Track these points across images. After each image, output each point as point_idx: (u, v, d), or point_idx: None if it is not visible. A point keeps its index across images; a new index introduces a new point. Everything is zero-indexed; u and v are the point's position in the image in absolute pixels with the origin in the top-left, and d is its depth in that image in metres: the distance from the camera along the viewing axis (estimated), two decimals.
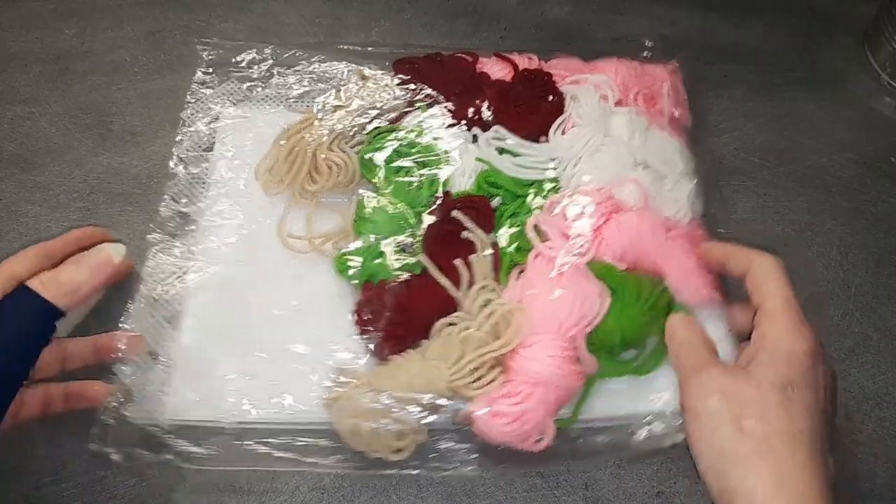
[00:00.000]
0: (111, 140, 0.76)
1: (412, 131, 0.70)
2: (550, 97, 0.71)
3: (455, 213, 0.64)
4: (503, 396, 0.56)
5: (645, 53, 0.76)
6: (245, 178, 0.70)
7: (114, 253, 0.54)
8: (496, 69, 0.75)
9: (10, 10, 0.84)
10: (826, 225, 0.56)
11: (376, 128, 0.70)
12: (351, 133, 0.71)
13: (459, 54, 0.75)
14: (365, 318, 0.61)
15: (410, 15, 0.69)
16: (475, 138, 0.70)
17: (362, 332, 0.60)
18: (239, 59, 0.75)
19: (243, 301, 0.63)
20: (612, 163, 0.67)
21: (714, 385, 0.46)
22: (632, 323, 0.59)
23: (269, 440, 0.55)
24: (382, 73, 0.74)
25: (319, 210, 0.68)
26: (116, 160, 0.75)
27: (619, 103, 0.72)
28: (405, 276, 0.63)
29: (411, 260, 0.63)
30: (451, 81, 0.73)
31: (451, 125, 0.71)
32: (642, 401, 0.59)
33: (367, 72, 0.74)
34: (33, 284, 0.49)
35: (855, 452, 0.55)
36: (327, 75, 0.76)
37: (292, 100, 0.75)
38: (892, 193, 0.57)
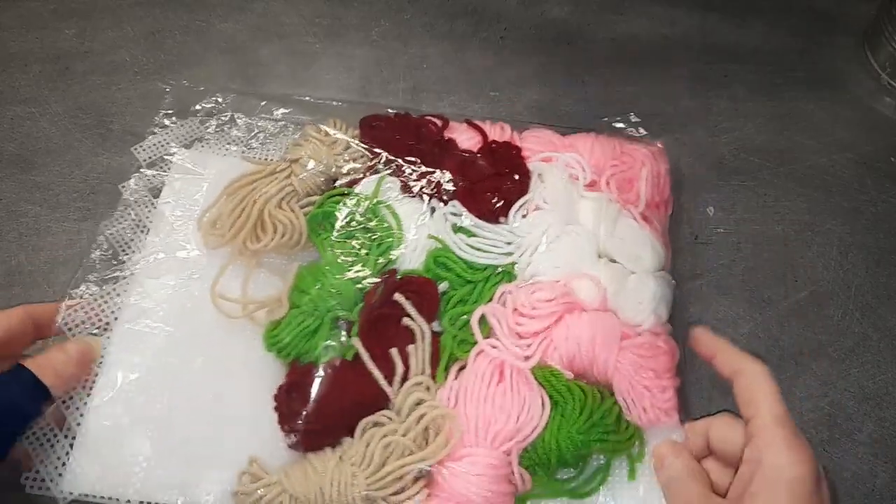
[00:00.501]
0: (111, 140, 0.75)
1: (367, 198, 0.65)
2: (516, 175, 0.66)
3: (397, 297, 0.60)
4: None
5: (631, 130, 0.71)
6: (187, 230, 0.66)
7: (98, 350, 0.56)
8: (464, 137, 0.70)
9: (11, 10, 0.83)
10: (826, 225, 0.55)
11: (331, 189, 0.66)
12: (303, 192, 0.66)
13: (429, 117, 0.71)
14: (286, 405, 0.56)
15: (410, 15, 0.68)
16: (433, 211, 0.66)
17: (281, 421, 0.56)
18: (200, 105, 0.72)
19: (163, 367, 0.59)
20: (572, 253, 0.63)
21: None
22: (572, 440, 0.55)
23: None
24: (343, 132, 0.70)
25: (262, 272, 0.64)
26: (116, 160, 0.74)
27: (591, 185, 0.67)
28: (336, 360, 0.58)
29: (345, 342, 0.59)
30: (416, 147, 0.68)
31: (408, 195, 0.66)
32: None
33: (329, 130, 0.69)
34: (30, 365, 0.50)
35: (855, 453, 0.53)
36: (288, 128, 0.72)
37: (251, 150, 0.71)
38: (893, 193, 0.56)
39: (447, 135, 0.70)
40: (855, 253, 0.56)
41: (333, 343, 0.59)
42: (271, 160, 0.70)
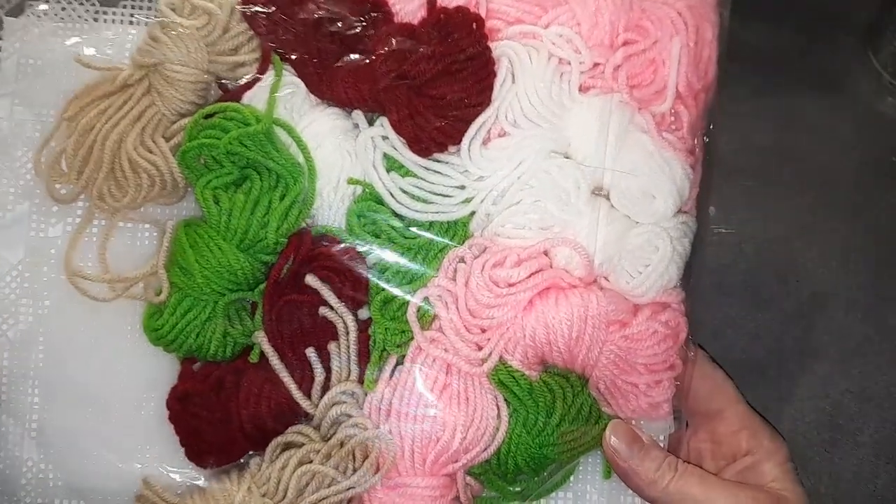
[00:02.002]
0: None
1: (259, 119, 0.45)
2: (474, 71, 0.44)
3: (310, 280, 0.44)
4: None
5: None
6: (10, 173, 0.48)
7: None
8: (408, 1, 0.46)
9: None
10: (827, 225, 0.57)
11: (207, 104, 0.46)
12: (172, 113, 0.46)
13: None
14: (180, 417, 0.45)
15: None
16: (356, 127, 0.46)
17: (177, 433, 0.46)
18: None
19: (26, 356, 0.48)
20: (554, 201, 0.44)
21: None
22: (534, 455, 0.44)
23: None
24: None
25: (132, 227, 0.48)
26: None
27: (586, 85, 0.45)
28: (238, 360, 0.45)
29: (247, 336, 0.45)
30: (328, 20, 0.45)
31: (322, 104, 0.46)
32: None
33: (196, 1, 0.46)
34: None
35: (856, 454, 0.55)
36: None
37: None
38: (894, 193, 0.57)
39: None
40: (856, 253, 0.57)
41: (233, 332, 0.45)
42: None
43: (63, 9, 0.49)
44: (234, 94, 0.47)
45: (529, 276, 0.43)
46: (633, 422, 0.45)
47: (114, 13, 0.50)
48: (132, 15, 0.50)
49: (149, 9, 0.49)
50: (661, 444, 0.46)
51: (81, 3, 0.49)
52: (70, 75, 0.48)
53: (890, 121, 0.57)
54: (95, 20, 0.50)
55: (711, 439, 0.47)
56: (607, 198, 0.44)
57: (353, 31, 0.45)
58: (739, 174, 0.58)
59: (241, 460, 0.46)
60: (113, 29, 0.49)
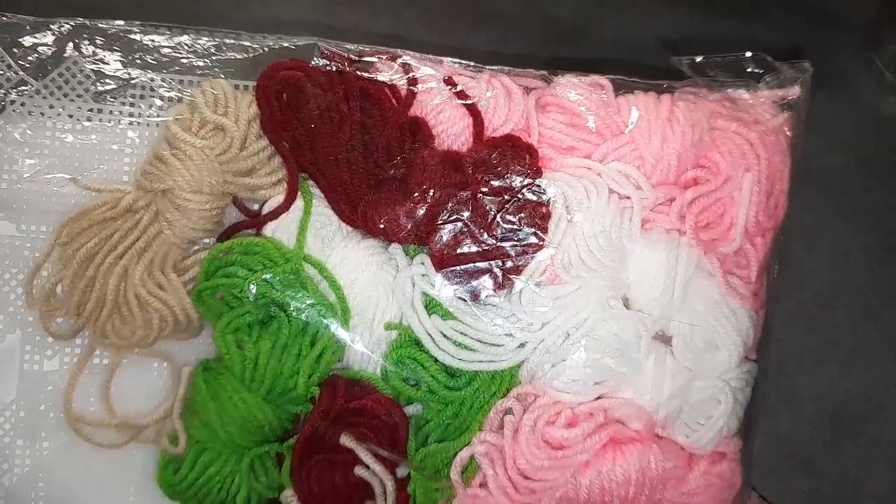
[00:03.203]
0: None
1: (286, 256, 0.40)
2: (529, 207, 0.40)
3: (345, 441, 0.40)
4: None
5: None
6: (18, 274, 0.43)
7: None
8: (449, 115, 0.41)
9: None
10: (828, 225, 0.56)
11: (219, 242, 0.41)
12: (182, 241, 0.42)
13: (380, 80, 0.41)
14: None
15: (412, 14, 0.58)
16: (392, 260, 0.42)
17: None
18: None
19: None
20: (614, 353, 0.41)
21: None
22: None
23: None
24: (234, 110, 0.41)
25: (140, 361, 0.44)
26: None
27: (647, 218, 0.41)
28: None
29: (273, 490, 0.42)
30: (366, 144, 0.40)
31: (356, 233, 0.41)
32: None
33: (208, 115, 0.40)
34: None
35: (857, 454, 0.54)
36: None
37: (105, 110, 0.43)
38: (894, 193, 0.57)
39: (416, 108, 0.41)
40: (857, 253, 0.56)
41: (258, 487, 0.42)
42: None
43: (51, 106, 0.43)
44: (256, 222, 0.42)
45: (586, 437, 0.40)
46: None
47: (110, 112, 0.44)
48: (131, 115, 0.44)
49: (150, 106, 0.44)
50: None
51: (72, 100, 0.43)
52: (62, 189, 0.43)
53: (891, 121, 0.57)
54: (89, 120, 0.44)
55: None
56: (669, 344, 0.41)
57: (391, 158, 0.40)
58: None
59: None
60: (109, 133, 0.43)
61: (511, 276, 0.40)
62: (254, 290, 0.40)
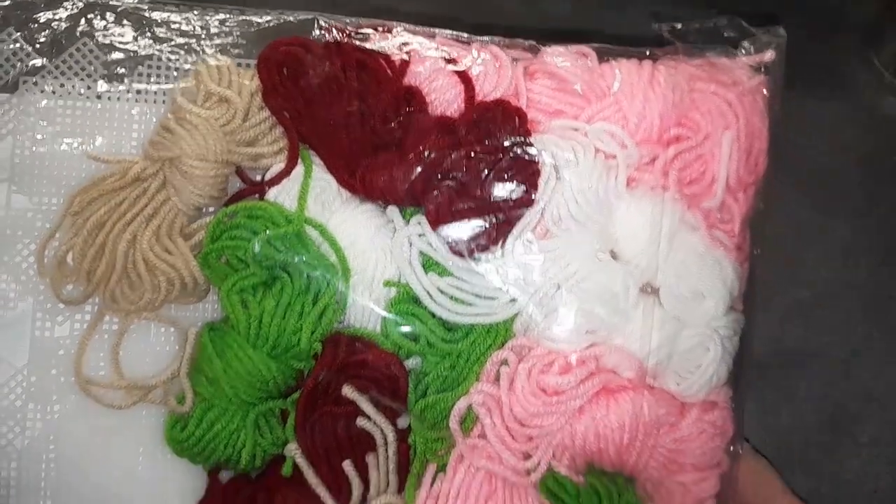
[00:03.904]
0: None
1: (287, 218, 0.42)
2: (519, 165, 0.42)
3: (347, 392, 0.42)
4: None
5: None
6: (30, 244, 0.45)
7: None
8: (438, 84, 0.43)
9: None
10: (828, 225, 0.56)
11: (225, 203, 0.43)
12: (189, 208, 0.43)
13: (378, 51, 0.43)
14: None
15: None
16: (390, 223, 0.43)
17: None
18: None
19: (36, 466, 0.44)
20: (602, 303, 0.42)
21: None
22: None
23: None
24: (237, 82, 0.43)
25: (149, 324, 0.45)
26: None
27: (632, 178, 0.43)
28: (268, 468, 0.43)
29: (277, 446, 0.43)
30: (363, 113, 0.42)
31: (354, 198, 0.43)
32: None
33: (213, 87, 0.42)
34: None
35: (858, 454, 0.55)
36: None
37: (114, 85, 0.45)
38: (894, 193, 0.57)
39: (409, 78, 0.43)
40: (858, 253, 0.56)
41: (263, 443, 0.43)
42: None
43: (62, 85, 0.45)
44: (258, 188, 0.44)
45: (580, 382, 0.41)
46: None
47: (121, 87, 0.46)
48: (139, 91, 0.46)
49: (157, 83, 0.46)
50: None
51: (82, 79, 0.46)
52: (73, 162, 0.44)
53: (891, 121, 0.57)
54: (98, 97, 0.46)
55: None
56: (656, 295, 0.43)
57: (386, 125, 0.42)
58: None
59: None
60: (118, 108, 0.45)
61: (504, 232, 0.42)
62: (258, 249, 0.41)
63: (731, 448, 0.45)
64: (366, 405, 0.42)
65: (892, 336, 0.56)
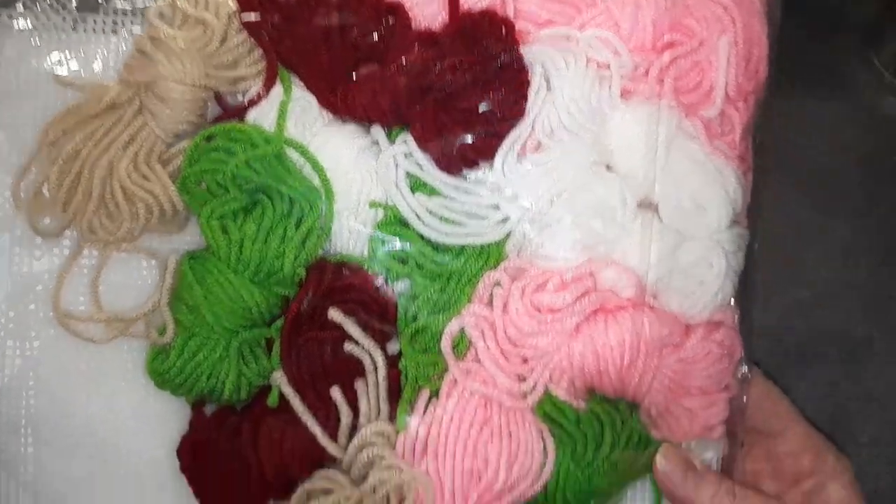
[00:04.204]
0: None
1: (266, 138, 0.41)
2: (506, 76, 0.40)
3: (333, 315, 0.40)
4: None
5: None
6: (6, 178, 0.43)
7: None
8: (427, 3, 0.42)
9: None
10: (828, 225, 0.56)
11: (204, 129, 0.41)
12: (168, 135, 0.42)
13: None
14: (192, 467, 0.41)
15: None
16: (375, 145, 0.42)
17: (191, 486, 0.42)
18: None
19: (16, 402, 0.43)
20: (598, 218, 0.41)
21: None
22: (583, 488, 0.41)
23: None
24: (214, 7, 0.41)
25: (129, 257, 0.44)
26: None
27: (627, 89, 0.41)
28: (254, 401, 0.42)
29: (263, 377, 0.42)
30: (343, 28, 0.41)
31: (335, 119, 0.42)
32: None
33: (189, 9, 0.41)
34: None
35: (858, 454, 0.53)
36: None
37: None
38: (894, 193, 0.57)
39: None
40: (858, 253, 0.56)
41: (248, 373, 0.41)
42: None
43: (37, 17, 0.44)
44: (237, 112, 0.42)
45: (575, 300, 0.39)
46: (684, 444, 0.43)
47: (94, 21, 0.44)
48: (115, 22, 0.45)
49: (133, 14, 0.45)
50: (714, 467, 0.43)
51: (57, 11, 0.44)
52: (48, 93, 0.43)
53: (891, 121, 0.57)
54: (74, 29, 0.45)
55: (769, 460, 0.45)
56: (655, 211, 0.41)
57: (368, 40, 0.41)
58: None
59: None
60: (94, 39, 0.44)
61: (494, 146, 0.40)
62: (236, 170, 0.40)
63: (740, 373, 0.43)
64: (353, 328, 0.40)
65: (893, 336, 0.56)
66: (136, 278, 0.44)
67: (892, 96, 0.57)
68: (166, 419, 0.43)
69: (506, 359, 0.40)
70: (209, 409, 0.43)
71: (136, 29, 0.43)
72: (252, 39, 0.42)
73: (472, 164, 0.40)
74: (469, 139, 0.40)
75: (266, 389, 0.42)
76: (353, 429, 0.41)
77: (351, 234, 0.41)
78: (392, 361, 0.41)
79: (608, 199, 0.40)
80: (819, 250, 0.56)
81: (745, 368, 0.43)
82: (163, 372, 0.41)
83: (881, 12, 0.58)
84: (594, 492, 0.42)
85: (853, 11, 0.58)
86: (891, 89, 0.57)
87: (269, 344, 0.42)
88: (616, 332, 0.39)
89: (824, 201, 0.56)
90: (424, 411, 0.41)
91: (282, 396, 0.41)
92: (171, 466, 0.42)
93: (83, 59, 0.43)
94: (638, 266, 0.40)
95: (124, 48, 0.43)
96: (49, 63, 0.43)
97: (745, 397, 0.44)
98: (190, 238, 0.44)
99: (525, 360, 0.40)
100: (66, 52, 0.43)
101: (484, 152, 0.40)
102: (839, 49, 0.57)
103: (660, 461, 0.42)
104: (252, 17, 0.41)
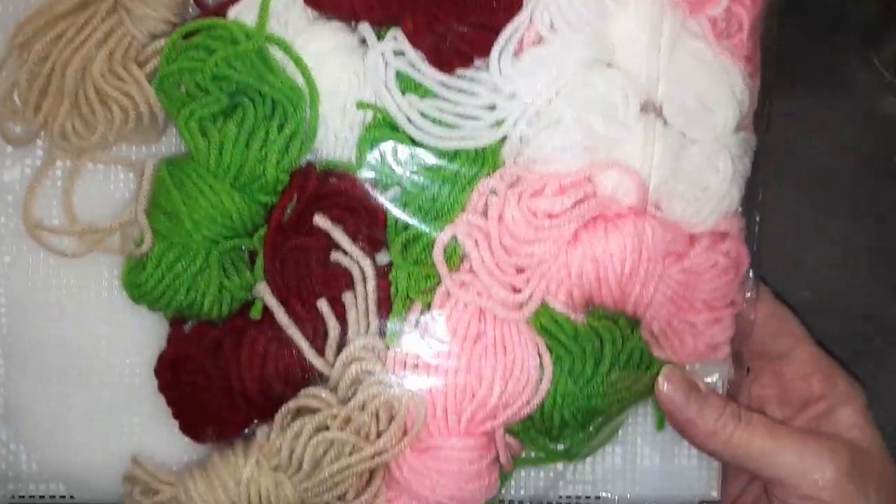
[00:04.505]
0: None
1: (247, 34, 0.38)
2: None
3: (319, 221, 0.38)
4: None
5: None
6: None
7: None
8: None
9: None
10: (828, 225, 0.57)
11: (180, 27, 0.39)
12: (144, 35, 0.40)
13: None
14: (171, 385, 0.40)
15: None
16: (363, 43, 0.39)
17: (170, 404, 0.40)
18: None
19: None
20: (599, 119, 0.38)
21: None
22: (581, 406, 0.39)
23: None
24: None
25: (104, 169, 0.41)
26: None
27: None
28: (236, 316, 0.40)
29: (246, 290, 0.39)
30: None
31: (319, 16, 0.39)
32: None
33: None
34: None
35: None
36: None
37: None
38: (894, 193, 0.57)
39: None
40: (857, 253, 0.56)
41: (230, 286, 0.39)
42: None
43: None
44: (217, 10, 0.40)
45: (574, 204, 0.37)
46: (688, 367, 0.41)
47: None
48: None
49: None
50: (719, 391, 0.41)
51: None
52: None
53: (891, 121, 0.57)
54: None
55: (777, 384, 0.43)
56: (658, 113, 0.39)
57: None
58: None
59: (246, 431, 0.40)
60: None
61: (489, 41, 0.38)
62: (216, 69, 0.38)
63: (749, 293, 0.41)
64: (340, 236, 0.38)
65: (892, 336, 0.56)
66: (112, 190, 0.42)
67: (892, 96, 0.57)
68: (144, 336, 0.41)
69: (501, 269, 0.38)
70: (189, 326, 0.40)
71: None
72: None
73: (467, 59, 0.38)
74: (463, 32, 0.37)
75: (248, 305, 0.40)
76: (341, 344, 0.39)
77: (337, 138, 0.39)
78: (382, 273, 0.39)
79: (609, 96, 0.38)
80: (819, 250, 0.56)
81: (751, 283, 0.41)
82: (139, 284, 0.39)
83: (881, 12, 0.58)
84: (593, 412, 0.40)
85: (853, 11, 0.57)
86: (891, 89, 0.57)
87: (252, 258, 0.40)
88: (617, 239, 0.37)
89: (824, 201, 0.56)
90: (416, 325, 0.39)
91: (265, 309, 0.39)
92: (149, 386, 0.40)
93: None
94: (640, 168, 0.38)
95: None
96: None
97: (752, 315, 0.41)
98: (166, 151, 0.42)
99: (521, 270, 0.38)
100: None
101: (479, 47, 0.37)
102: (839, 49, 0.57)
103: (662, 382, 0.40)
104: None
